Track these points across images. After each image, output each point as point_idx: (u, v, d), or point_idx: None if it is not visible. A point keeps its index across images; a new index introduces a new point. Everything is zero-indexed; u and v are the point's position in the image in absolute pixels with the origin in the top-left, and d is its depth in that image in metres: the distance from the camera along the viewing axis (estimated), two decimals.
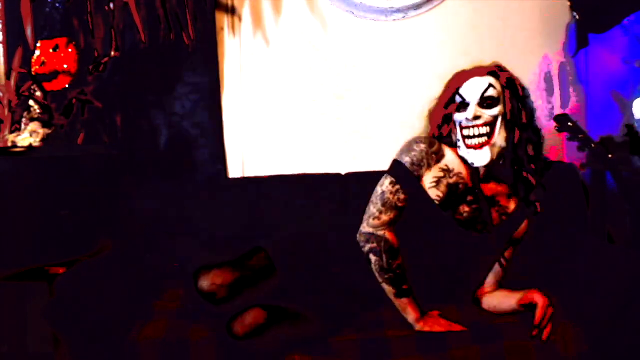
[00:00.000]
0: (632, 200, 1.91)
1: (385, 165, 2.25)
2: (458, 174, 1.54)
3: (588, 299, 1.47)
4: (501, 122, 1.51)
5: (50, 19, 2.15)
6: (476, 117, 1.49)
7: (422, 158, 1.51)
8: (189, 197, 2.03)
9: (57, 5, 2.15)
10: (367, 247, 1.48)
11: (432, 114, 1.63)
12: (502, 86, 1.53)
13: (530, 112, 1.56)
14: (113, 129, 2.21)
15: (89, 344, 1.43)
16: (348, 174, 2.07)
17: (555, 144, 2.31)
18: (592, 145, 1.81)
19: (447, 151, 1.56)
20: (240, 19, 2.30)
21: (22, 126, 1.86)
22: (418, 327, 1.46)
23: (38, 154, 1.78)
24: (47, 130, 1.85)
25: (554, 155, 2.32)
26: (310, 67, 2.31)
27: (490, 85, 1.51)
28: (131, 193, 2.02)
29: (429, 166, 1.53)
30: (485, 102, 1.50)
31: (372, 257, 1.47)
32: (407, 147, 1.54)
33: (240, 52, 2.30)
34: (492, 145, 1.51)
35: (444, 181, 1.52)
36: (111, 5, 1.94)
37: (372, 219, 1.50)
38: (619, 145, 2.14)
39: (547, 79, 2.32)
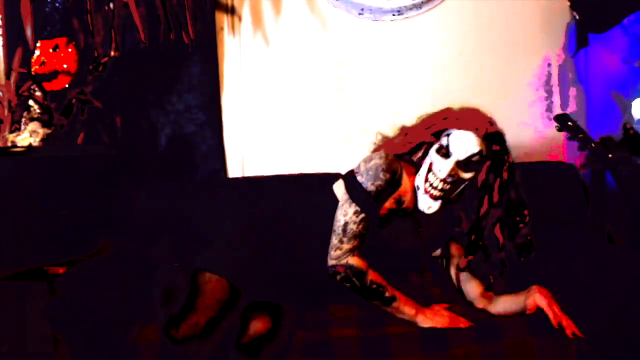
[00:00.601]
0: (632, 200, 1.91)
1: None
2: (406, 209, 1.57)
3: (588, 299, 1.46)
4: (466, 185, 1.51)
5: (50, 19, 2.15)
6: (450, 176, 1.47)
7: (386, 189, 1.52)
8: (189, 197, 2.02)
9: (57, 5, 2.15)
10: (338, 278, 1.49)
11: (410, 133, 1.60)
12: (489, 153, 1.49)
13: (508, 194, 1.51)
14: (113, 129, 2.21)
15: (89, 344, 1.43)
16: None
17: (555, 144, 2.32)
18: (592, 145, 1.82)
19: (404, 178, 1.56)
20: (240, 19, 2.30)
21: (22, 126, 1.86)
22: (418, 321, 1.46)
23: (38, 154, 1.78)
24: (47, 130, 1.85)
25: (554, 155, 2.32)
26: (310, 67, 2.31)
27: (480, 152, 1.47)
28: (131, 193, 2.02)
29: (388, 196, 1.54)
30: (466, 165, 1.48)
31: (346, 285, 1.49)
32: (374, 174, 1.50)
33: (240, 52, 2.30)
34: (445, 200, 1.51)
35: (393, 213, 1.56)
36: (111, 5, 1.94)
37: (334, 251, 1.49)
38: (619, 145, 2.14)
39: (547, 79, 2.32)
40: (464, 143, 1.47)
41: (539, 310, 1.44)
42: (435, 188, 1.49)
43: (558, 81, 2.33)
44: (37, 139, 1.83)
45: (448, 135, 1.50)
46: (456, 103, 1.63)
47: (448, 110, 1.57)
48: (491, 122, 1.52)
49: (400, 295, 1.48)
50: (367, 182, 1.51)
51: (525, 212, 1.51)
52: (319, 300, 1.59)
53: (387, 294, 1.47)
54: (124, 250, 1.84)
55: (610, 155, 1.86)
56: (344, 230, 1.49)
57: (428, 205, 1.51)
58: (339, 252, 1.49)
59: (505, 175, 1.50)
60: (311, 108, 2.32)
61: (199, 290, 1.38)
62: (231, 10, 2.28)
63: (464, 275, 1.60)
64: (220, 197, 2.03)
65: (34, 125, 1.84)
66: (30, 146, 1.80)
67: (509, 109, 2.32)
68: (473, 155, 1.47)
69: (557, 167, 2.09)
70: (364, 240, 1.51)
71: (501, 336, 1.40)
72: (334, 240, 1.50)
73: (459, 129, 1.49)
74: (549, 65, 2.32)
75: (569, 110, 2.31)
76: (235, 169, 2.31)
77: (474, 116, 1.52)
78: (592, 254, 1.68)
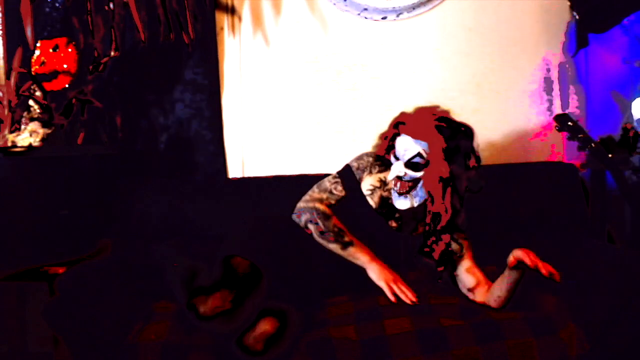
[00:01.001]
0: (632, 200, 1.91)
1: None
2: (390, 190, 1.66)
3: (588, 299, 1.46)
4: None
5: (50, 19, 2.15)
6: (399, 177, 1.60)
7: (366, 166, 1.72)
8: (189, 197, 2.03)
9: (57, 5, 2.15)
10: (303, 219, 1.63)
11: (380, 139, 1.72)
12: (432, 153, 1.56)
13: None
14: (113, 128, 2.21)
15: (89, 344, 1.43)
16: None
17: (555, 144, 2.32)
18: (592, 145, 1.81)
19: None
20: (240, 19, 2.30)
21: (22, 126, 1.86)
22: (368, 269, 1.57)
23: (38, 154, 1.78)
24: (47, 130, 1.85)
25: (554, 155, 2.32)
26: (310, 67, 2.31)
27: (418, 154, 1.57)
28: (131, 193, 2.02)
29: (371, 172, 1.71)
30: (412, 165, 1.58)
31: (311, 226, 1.61)
32: (359, 156, 1.75)
33: (240, 52, 2.30)
34: (413, 196, 1.62)
35: (379, 192, 1.68)
36: (111, 5, 1.95)
37: (304, 196, 1.68)
38: (619, 145, 2.14)
39: (547, 79, 2.32)
40: (403, 147, 1.60)
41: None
42: (397, 186, 1.62)
43: (558, 81, 2.33)
44: (37, 139, 1.83)
45: (396, 139, 1.63)
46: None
47: (399, 115, 1.67)
48: (439, 122, 1.58)
49: (358, 242, 1.60)
50: (352, 162, 1.74)
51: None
52: (319, 299, 1.59)
53: (346, 239, 1.59)
54: (124, 250, 1.84)
55: (610, 155, 1.86)
56: (319, 185, 1.71)
57: (399, 203, 1.63)
58: (308, 198, 1.67)
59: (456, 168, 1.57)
60: (311, 108, 2.32)
61: (230, 270, 1.42)
62: (231, 10, 2.28)
63: (459, 272, 1.61)
64: (220, 197, 2.03)
65: (34, 125, 1.84)
66: (30, 146, 1.80)
67: (509, 109, 2.32)
68: (413, 157, 1.58)
69: (557, 167, 2.09)
70: (334, 201, 1.67)
71: (502, 337, 1.40)
72: (308, 192, 1.69)
73: (405, 132, 1.60)
74: (549, 65, 2.32)
75: (569, 110, 2.31)
76: (236, 169, 2.31)
77: (418, 117, 1.61)
78: (592, 254, 1.68)
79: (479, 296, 1.57)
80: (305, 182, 2.05)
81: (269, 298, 1.41)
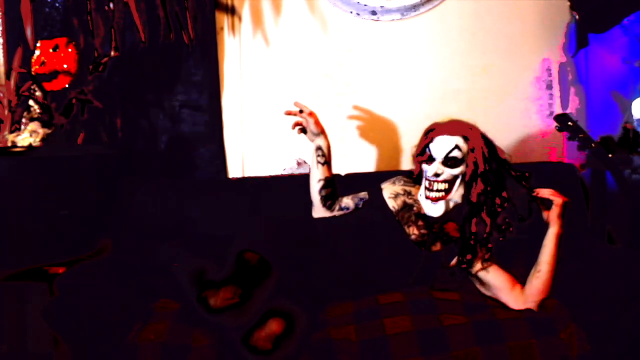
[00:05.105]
0: (632, 200, 1.91)
1: (385, 166, 2.27)
2: (417, 202, 1.68)
3: (588, 299, 1.46)
4: (460, 181, 1.61)
5: (50, 19, 2.15)
6: (436, 175, 1.60)
7: (391, 179, 1.79)
8: (189, 197, 2.02)
9: (57, 5, 2.16)
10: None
11: (413, 159, 1.75)
12: (469, 149, 1.60)
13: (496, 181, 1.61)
14: (113, 129, 2.21)
15: (88, 344, 1.43)
16: (348, 174, 2.07)
17: (555, 144, 2.32)
18: (592, 145, 1.81)
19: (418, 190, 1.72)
20: (240, 19, 2.30)
21: (22, 126, 1.86)
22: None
23: (38, 154, 1.78)
24: (47, 130, 1.85)
25: (554, 155, 2.32)
26: (310, 67, 2.31)
27: (456, 146, 1.60)
28: (131, 193, 2.02)
29: (394, 183, 1.76)
30: (449, 161, 1.60)
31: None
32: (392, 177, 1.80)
33: (240, 52, 2.30)
34: (448, 201, 1.62)
35: (402, 198, 1.70)
36: (111, 5, 1.95)
37: None
38: (619, 145, 2.14)
39: (547, 79, 2.32)
40: (439, 145, 1.62)
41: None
42: (432, 190, 1.62)
43: (558, 81, 2.33)
44: (37, 139, 1.83)
45: (428, 146, 1.65)
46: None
47: (430, 125, 1.70)
48: (470, 127, 1.65)
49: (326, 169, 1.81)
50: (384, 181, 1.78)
51: (504, 194, 1.61)
52: (318, 300, 1.59)
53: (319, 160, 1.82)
54: (124, 250, 1.84)
55: (610, 155, 1.85)
56: None
57: (433, 210, 1.63)
58: None
59: (485, 165, 1.61)
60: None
61: (240, 265, 1.43)
62: (231, 10, 2.28)
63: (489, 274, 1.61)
64: (220, 197, 2.03)
65: (34, 125, 1.84)
66: (30, 146, 1.80)
67: (509, 109, 2.32)
68: (450, 150, 1.59)
69: (557, 167, 2.09)
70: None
71: (502, 338, 1.39)
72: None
73: (439, 134, 1.63)
74: (549, 65, 2.32)
75: (569, 110, 2.31)
76: (236, 169, 2.31)
77: (445, 125, 1.66)
78: (592, 254, 1.67)
79: (514, 294, 1.56)
80: (305, 181, 2.04)
81: (277, 295, 1.41)
